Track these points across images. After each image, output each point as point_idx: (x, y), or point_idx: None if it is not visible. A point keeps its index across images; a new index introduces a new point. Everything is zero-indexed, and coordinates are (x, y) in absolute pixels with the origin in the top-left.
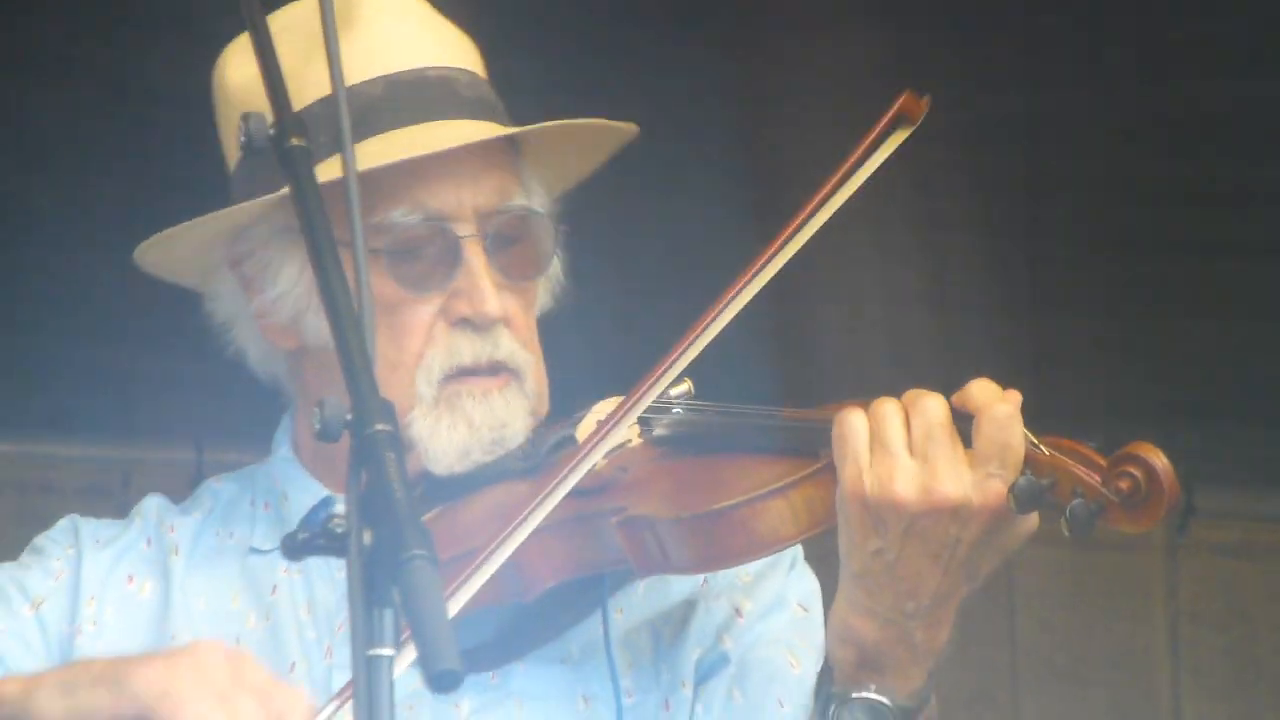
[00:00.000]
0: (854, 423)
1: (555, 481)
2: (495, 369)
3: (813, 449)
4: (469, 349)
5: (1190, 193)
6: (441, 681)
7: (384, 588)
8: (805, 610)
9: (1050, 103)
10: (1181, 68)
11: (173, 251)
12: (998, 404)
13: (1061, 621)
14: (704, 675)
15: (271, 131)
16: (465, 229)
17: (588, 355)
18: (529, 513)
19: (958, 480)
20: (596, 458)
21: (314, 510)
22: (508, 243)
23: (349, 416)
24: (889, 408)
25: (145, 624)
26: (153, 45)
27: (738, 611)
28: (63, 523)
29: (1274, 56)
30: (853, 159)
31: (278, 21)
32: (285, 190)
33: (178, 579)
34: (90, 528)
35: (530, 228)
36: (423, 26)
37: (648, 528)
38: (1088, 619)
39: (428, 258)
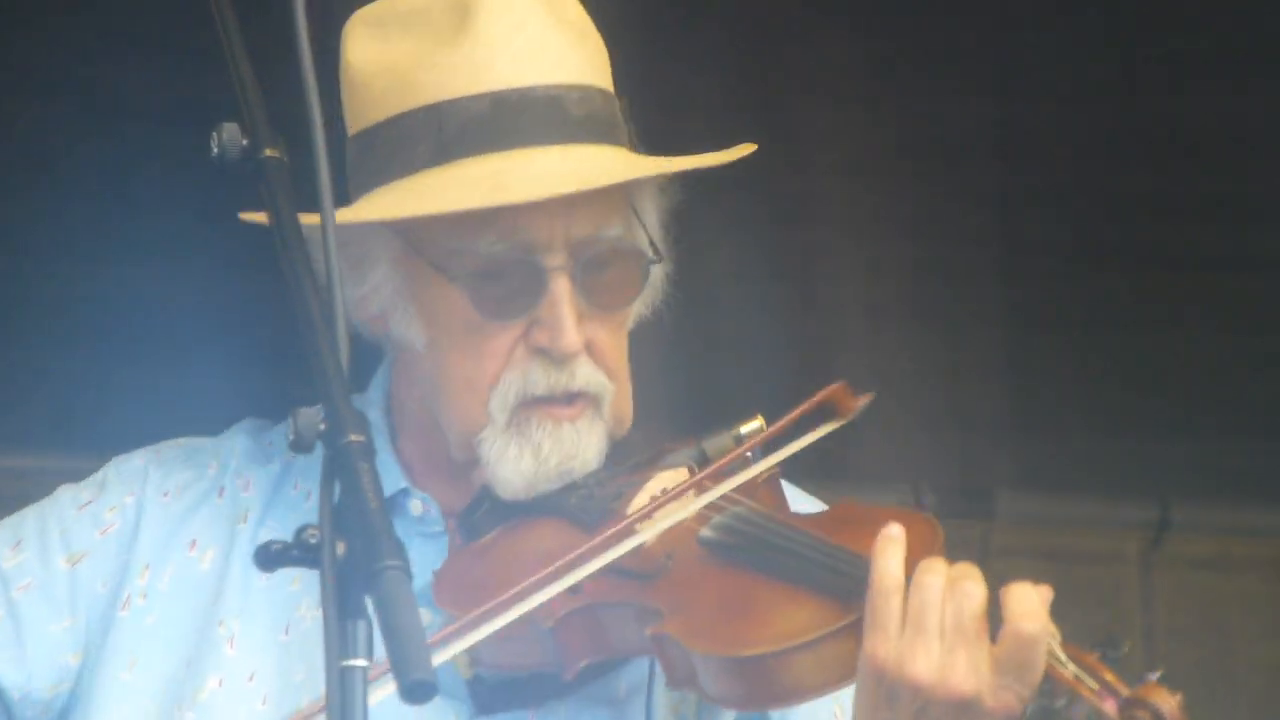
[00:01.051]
0: (893, 588)
1: (599, 544)
2: (571, 399)
3: (853, 596)
4: (544, 380)
5: (1166, 206)
6: (414, 692)
7: (357, 598)
8: (845, 711)
9: (1024, 116)
10: (1156, 81)
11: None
12: (1027, 622)
13: None
14: None
15: (245, 143)
16: (554, 260)
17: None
18: (566, 571)
19: (976, 677)
20: (643, 539)
21: (393, 497)
22: (598, 269)
23: (322, 427)
24: (932, 584)
25: (197, 602)
26: (125, 61)
27: None
28: (135, 461)
29: (1248, 70)
30: (771, 434)
31: (402, 4)
32: (374, 193)
33: (241, 549)
34: (159, 474)
35: (624, 258)
36: (539, 36)
37: (678, 650)
38: (1063, 632)
39: (510, 285)
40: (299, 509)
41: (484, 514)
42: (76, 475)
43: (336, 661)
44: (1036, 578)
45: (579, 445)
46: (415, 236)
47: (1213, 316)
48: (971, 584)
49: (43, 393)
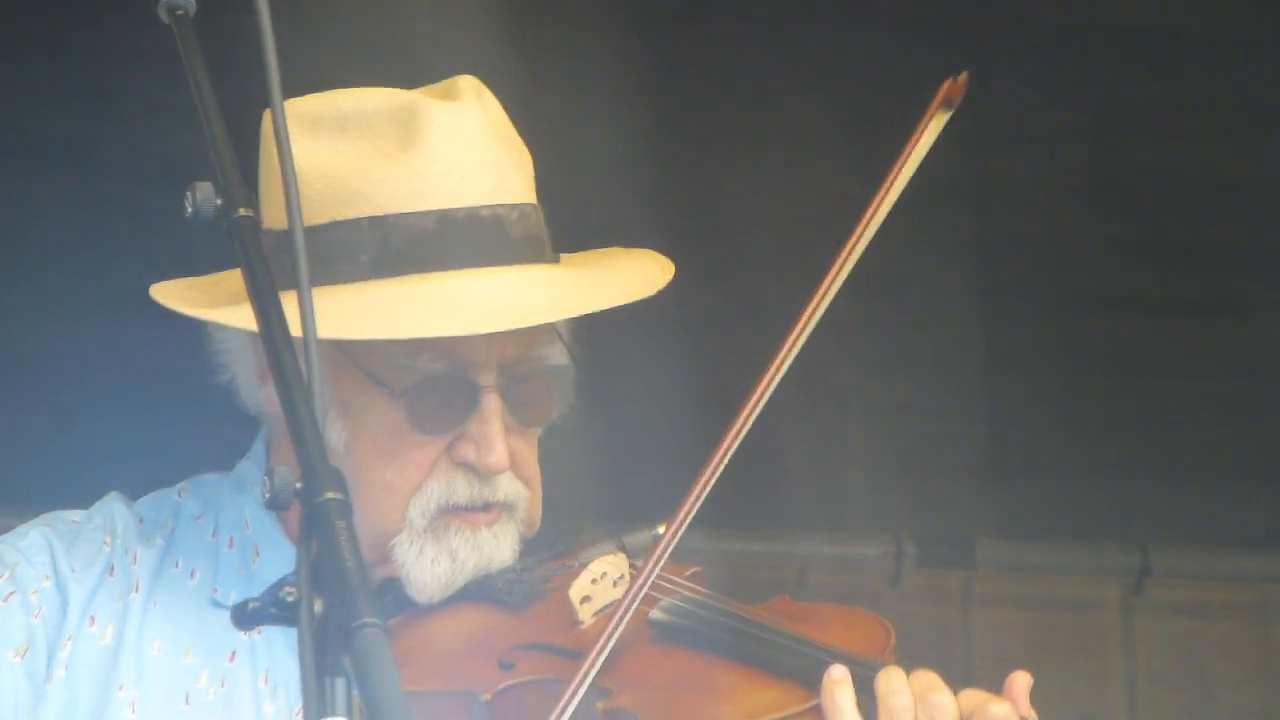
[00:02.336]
0: (847, 705)
1: (579, 678)
2: (488, 506)
3: (807, 678)
4: (467, 491)
5: (1144, 253)
6: None
7: (335, 656)
8: None
9: (1000, 164)
10: (1132, 128)
11: (191, 293)
12: (992, 704)
13: None
14: None
15: (219, 203)
16: (487, 378)
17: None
18: (574, 696)
19: None
20: (610, 645)
21: (285, 579)
22: (525, 386)
23: (299, 485)
24: (901, 704)
25: (96, 671)
26: (101, 118)
27: None
28: (35, 538)
29: (1223, 118)
30: (908, 150)
31: (344, 105)
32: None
33: (134, 620)
34: (63, 548)
35: (551, 376)
36: (483, 159)
37: None
38: (1045, 680)
39: (444, 398)
40: (183, 587)
41: (389, 603)
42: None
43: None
44: (1018, 627)
45: (495, 550)
46: (351, 346)
47: (1191, 362)
48: (941, 696)
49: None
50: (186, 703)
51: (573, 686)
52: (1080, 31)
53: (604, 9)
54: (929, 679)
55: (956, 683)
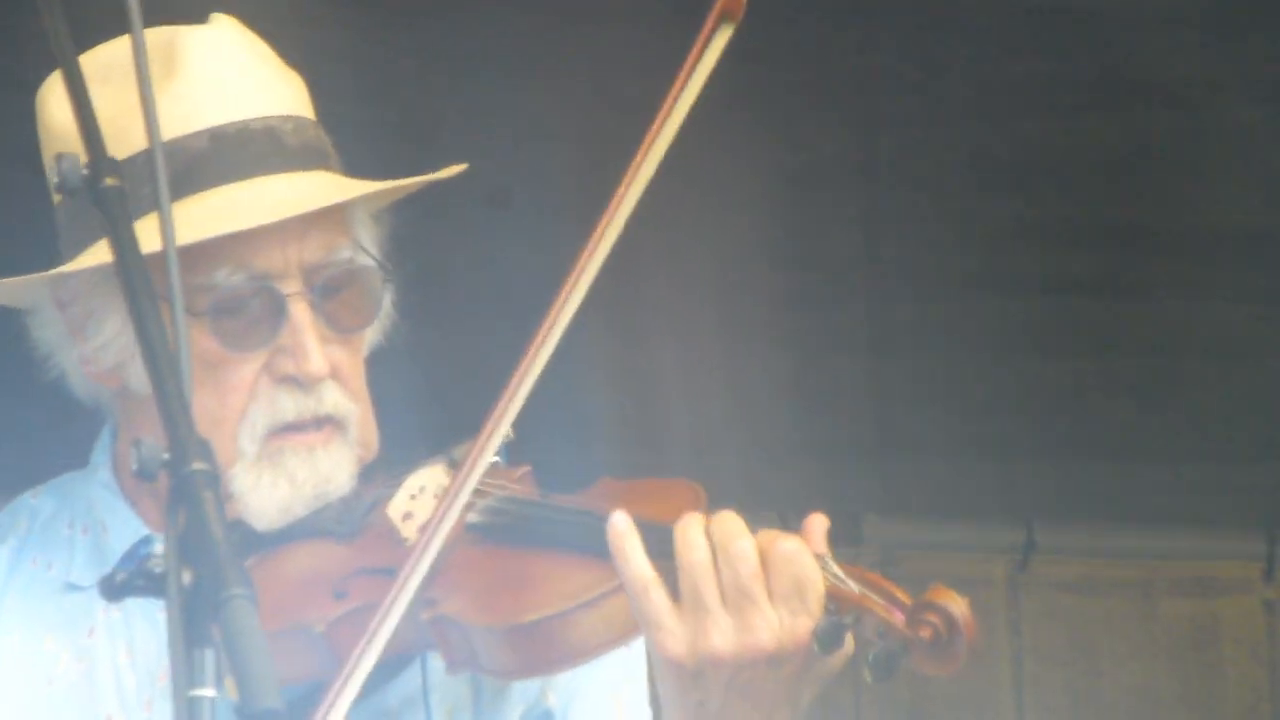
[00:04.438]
0: (648, 584)
1: (394, 593)
2: (320, 423)
3: None
4: (293, 406)
5: (1025, 231)
6: None
7: (204, 627)
8: (628, 647)
9: (886, 140)
10: (1016, 105)
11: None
12: (781, 541)
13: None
14: None
15: (85, 172)
16: (291, 286)
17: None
18: (375, 631)
19: (769, 629)
20: (433, 554)
21: (133, 549)
22: (335, 293)
23: (166, 456)
24: (699, 559)
25: None
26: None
27: None
28: None
29: (1108, 93)
30: (682, 78)
31: (101, 57)
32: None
33: None
34: None
35: (358, 278)
36: (248, 74)
37: (457, 630)
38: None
39: (251, 315)
40: (40, 579)
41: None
42: None
43: (184, 691)
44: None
45: (333, 468)
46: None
47: (1074, 340)
48: (740, 543)
49: None
50: (49, 684)
51: (387, 601)
52: (965, 7)
53: None
54: (728, 523)
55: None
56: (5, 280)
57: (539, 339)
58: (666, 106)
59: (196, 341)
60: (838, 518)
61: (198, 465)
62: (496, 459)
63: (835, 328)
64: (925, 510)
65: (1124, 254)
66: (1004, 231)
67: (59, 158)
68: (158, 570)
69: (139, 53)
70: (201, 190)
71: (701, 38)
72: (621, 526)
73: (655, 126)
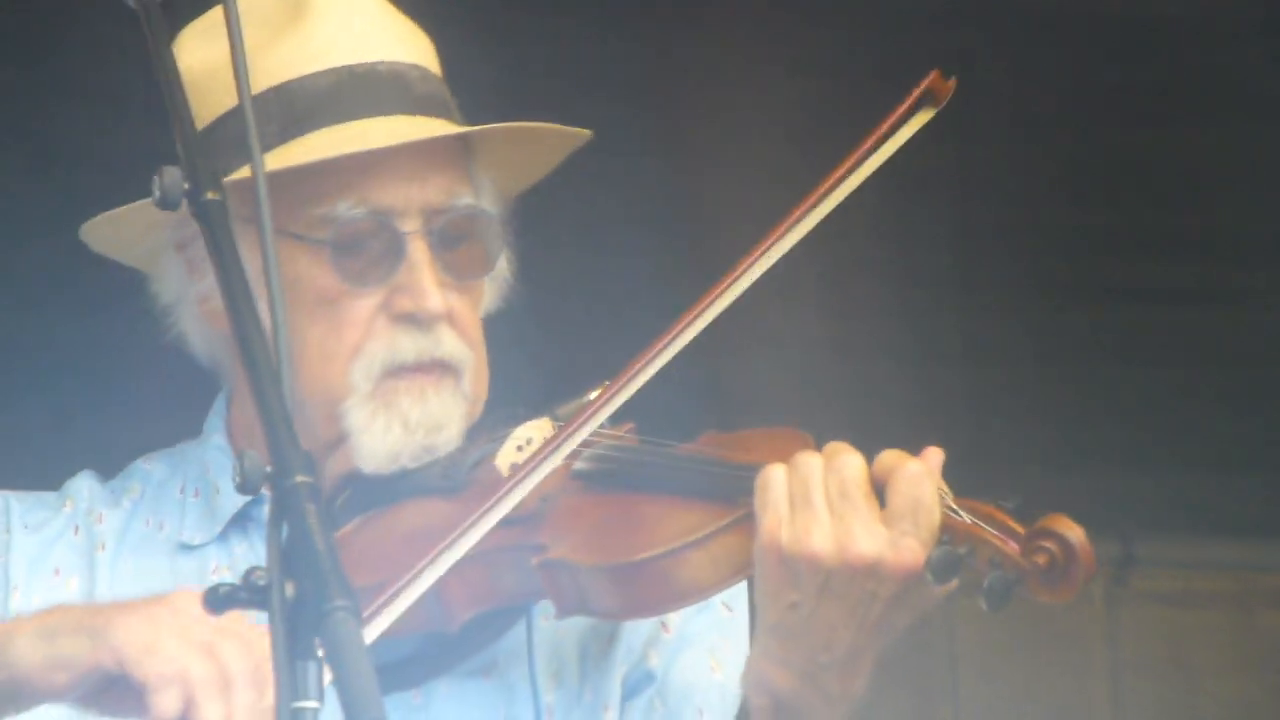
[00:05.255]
0: (775, 477)
1: (477, 516)
2: (435, 366)
3: (734, 495)
4: (411, 345)
5: (1123, 241)
6: None
7: (307, 640)
8: (730, 610)
9: (976, 152)
10: (1110, 116)
11: (119, 231)
12: (909, 462)
13: (1003, 672)
14: (629, 693)
15: (186, 186)
16: (410, 225)
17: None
18: (448, 546)
19: (872, 539)
20: (522, 494)
21: (244, 509)
22: (454, 241)
23: (269, 469)
24: (810, 462)
25: None
26: (77, 111)
27: (664, 625)
28: None
29: (1205, 106)
30: (871, 141)
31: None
32: (234, 175)
33: (104, 575)
34: (20, 508)
35: (477, 226)
36: (376, 20)
37: (567, 572)
38: (1029, 669)
39: (371, 252)
40: (152, 540)
41: (342, 505)
42: None
43: (288, 703)
44: (1001, 616)
45: (445, 414)
46: (273, 211)
47: (1173, 350)
48: (846, 455)
49: None
50: None
51: (478, 515)
52: (1056, 18)
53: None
54: (838, 445)
55: (943, 680)
56: (138, 205)
57: (678, 329)
58: (841, 171)
59: (314, 275)
60: None
61: (300, 478)
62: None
63: (930, 339)
64: (1026, 513)
65: (1217, 263)
66: (1097, 242)
67: (159, 172)
68: (261, 583)
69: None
70: (325, 126)
71: (897, 113)
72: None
73: (825, 185)
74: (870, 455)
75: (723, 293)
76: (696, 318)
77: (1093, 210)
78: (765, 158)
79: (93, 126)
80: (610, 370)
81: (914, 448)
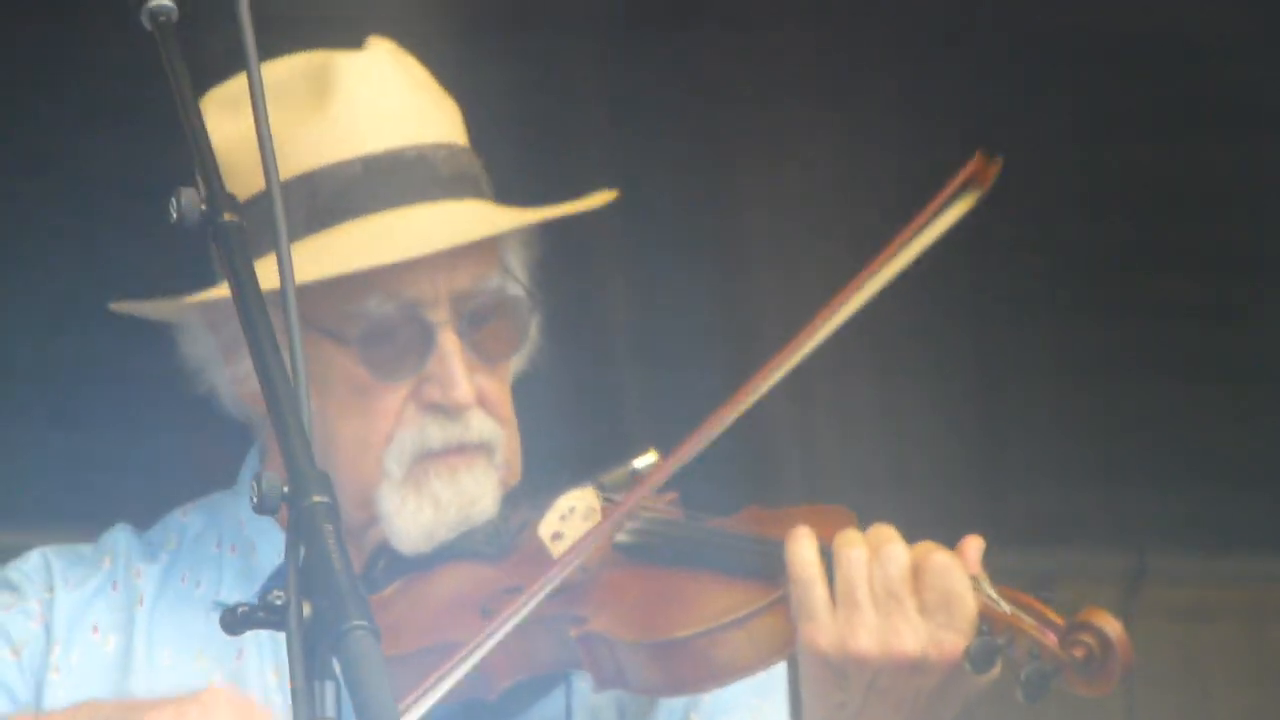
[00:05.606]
0: (812, 577)
1: (536, 588)
2: (464, 449)
3: (776, 574)
4: (439, 434)
5: (1140, 257)
6: None
7: (325, 659)
8: (767, 670)
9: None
10: (1125, 131)
11: (148, 309)
12: (935, 554)
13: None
14: None
15: (203, 208)
16: (439, 315)
17: (553, 422)
18: (502, 622)
19: (916, 635)
20: (573, 568)
21: (280, 568)
22: (482, 323)
23: (286, 489)
24: (856, 557)
25: (106, 678)
26: (99, 133)
27: None
28: (35, 558)
29: (1218, 120)
30: (914, 226)
31: (265, 76)
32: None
33: (142, 631)
34: (61, 564)
35: (506, 307)
36: (402, 101)
37: (605, 646)
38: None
39: (400, 343)
40: (189, 597)
41: (382, 570)
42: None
43: None
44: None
45: (478, 490)
46: (301, 306)
47: (1187, 366)
48: (892, 546)
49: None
50: None
51: (529, 593)
52: (1071, 35)
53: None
54: (884, 532)
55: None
56: (158, 302)
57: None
58: (884, 257)
59: (345, 369)
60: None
61: (318, 498)
62: (634, 466)
63: (944, 355)
64: (1035, 536)
65: (1233, 279)
66: (1113, 257)
67: (176, 193)
68: (279, 603)
69: (255, 86)
70: (353, 218)
71: (940, 198)
72: (801, 533)
73: (867, 271)
74: (879, 467)
75: (768, 376)
76: (744, 399)
77: (1108, 225)
78: (813, 219)
79: (98, 139)
80: (653, 434)
81: (930, 464)
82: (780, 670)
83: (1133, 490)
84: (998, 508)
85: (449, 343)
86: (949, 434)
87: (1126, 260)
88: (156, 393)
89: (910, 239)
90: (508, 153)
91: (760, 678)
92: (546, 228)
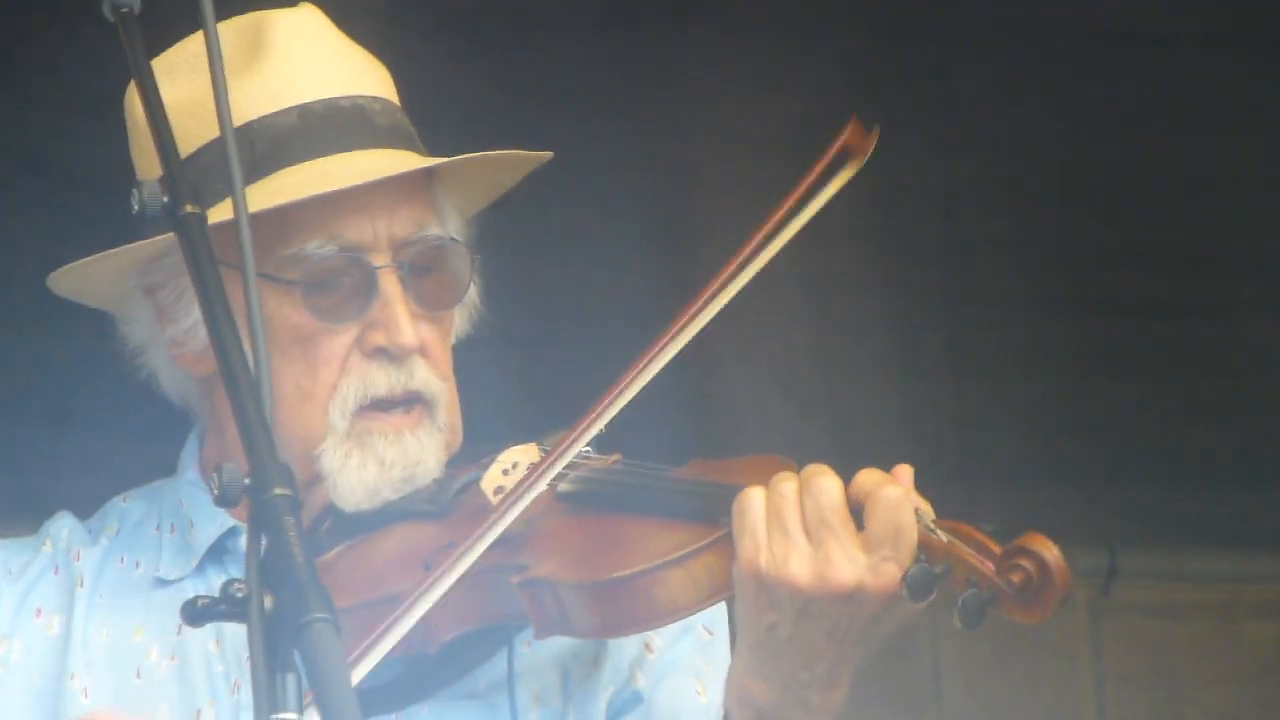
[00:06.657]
0: (753, 502)
1: (473, 540)
2: (410, 400)
3: (714, 516)
4: (384, 379)
5: (1107, 255)
6: None
7: (286, 651)
8: (710, 633)
9: (966, 167)
10: (1097, 130)
11: (87, 279)
12: (887, 486)
13: (987, 684)
14: (616, 713)
15: (165, 200)
16: (381, 259)
17: (497, 391)
18: (445, 572)
19: (851, 565)
20: (512, 517)
21: (219, 540)
22: (424, 272)
23: (247, 481)
24: (787, 487)
25: (47, 661)
26: (67, 127)
27: (648, 646)
28: None
29: (1191, 119)
30: (790, 201)
31: (191, 46)
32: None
33: (81, 612)
34: (3, 555)
35: (446, 256)
36: (335, 54)
37: (548, 590)
38: (1013, 681)
39: (343, 288)
40: (129, 577)
41: (325, 532)
42: None
43: (266, 715)
44: (985, 628)
45: (422, 451)
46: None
47: (1157, 363)
48: (823, 479)
49: None
50: (138, 677)
51: (468, 544)
52: (1046, 33)
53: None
54: (816, 468)
55: (927, 691)
56: (102, 255)
57: (654, 351)
58: (760, 235)
59: (288, 315)
60: None
61: (279, 490)
62: (587, 449)
63: (916, 352)
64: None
65: (1204, 277)
66: (1082, 255)
67: (138, 185)
68: (240, 595)
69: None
70: (291, 164)
71: (813, 172)
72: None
73: (746, 249)
74: (850, 469)
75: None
76: (669, 342)
77: (1077, 224)
78: (748, 174)
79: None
80: (597, 395)
81: (897, 461)
82: (724, 633)
83: (1103, 487)
84: (969, 503)
85: (392, 287)
86: (918, 430)
87: (1096, 258)
88: (157, 393)
89: (787, 218)
90: (435, 119)
91: (705, 639)
92: (483, 190)
